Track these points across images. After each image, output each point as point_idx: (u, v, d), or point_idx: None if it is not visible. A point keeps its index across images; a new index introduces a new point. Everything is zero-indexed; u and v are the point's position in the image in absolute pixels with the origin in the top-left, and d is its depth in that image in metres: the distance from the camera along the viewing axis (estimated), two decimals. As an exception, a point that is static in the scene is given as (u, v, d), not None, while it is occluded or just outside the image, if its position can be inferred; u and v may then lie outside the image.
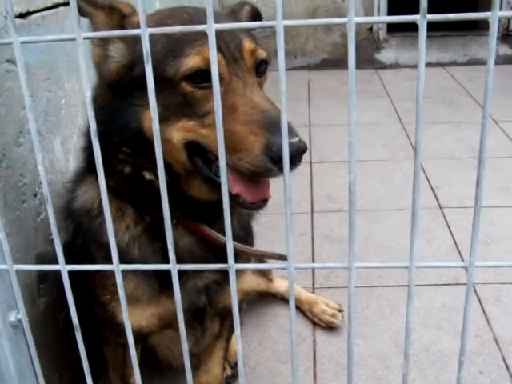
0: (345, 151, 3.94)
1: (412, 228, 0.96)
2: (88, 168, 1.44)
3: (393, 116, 4.70)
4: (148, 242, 1.39)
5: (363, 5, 6.06)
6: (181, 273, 1.39)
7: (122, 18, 1.26)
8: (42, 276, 1.79)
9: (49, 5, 1.96)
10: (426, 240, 2.89)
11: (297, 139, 1.12)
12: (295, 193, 3.45)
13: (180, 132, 1.22)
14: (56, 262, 1.76)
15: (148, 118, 1.24)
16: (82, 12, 1.24)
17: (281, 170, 1.13)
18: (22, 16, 1.74)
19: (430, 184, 3.48)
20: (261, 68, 1.31)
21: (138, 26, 1.21)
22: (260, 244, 2.86)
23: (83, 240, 1.48)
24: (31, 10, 1.84)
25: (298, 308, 2.45)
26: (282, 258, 1.44)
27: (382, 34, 6.25)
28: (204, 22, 1.26)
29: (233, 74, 1.22)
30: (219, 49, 1.22)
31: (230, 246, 0.99)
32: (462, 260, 2.72)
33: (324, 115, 4.79)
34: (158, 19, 1.29)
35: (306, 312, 2.41)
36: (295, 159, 1.12)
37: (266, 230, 3.06)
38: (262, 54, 1.30)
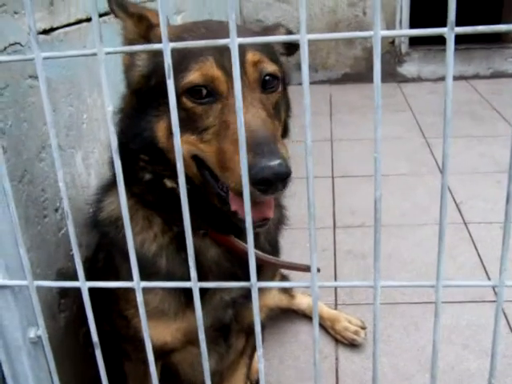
0: (367, 165, 3.91)
1: (439, 246, 0.94)
2: (113, 180, 1.44)
3: (415, 130, 4.66)
4: (175, 253, 1.38)
5: (385, 18, 6.04)
6: (207, 289, 1.38)
7: (148, 28, 1.28)
8: (63, 291, 1.79)
9: (72, 21, 1.98)
10: (450, 256, 2.84)
11: (277, 162, 1.06)
12: (317, 208, 3.41)
13: (185, 145, 1.22)
14: (76, 277, 1.76)
15: (161, 128, 1.25)
16: (115, 14, 1.29)
17: (263, 192, 1.09)
18: (45, 32, 1.76)
19: (453, 199, 3.43)
20: (270, 84, 1.26)
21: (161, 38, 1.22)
22: (296, 257, 2.84)
23: (107, 252, 1.48)
24: (55, 26, 1.85)
25: (320, 325, 2.42)
26: (310, 269, 1.41)
27: (404, 47, 6.22)
28: (222, 37, 1.25)
29: (232, 91, 1.21)
30: (222, 65, 1.21)
31: (253, 263, 0.98)
32: (488, 277, 2.66)
33: (346, 129, 4.76)
34: (176, 32, 1.29)
35: (329, 329, 2.38)
36: (276, 184, 1.07)
37: (289, 245, 3.04)
38: (268, 67, 1.24)
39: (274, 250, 1.55)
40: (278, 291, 2.31)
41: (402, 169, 3.89)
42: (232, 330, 1.53)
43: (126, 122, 1.32)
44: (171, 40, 1.30)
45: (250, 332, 1.69)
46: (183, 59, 1.21)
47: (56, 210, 1.77)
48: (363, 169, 3.91)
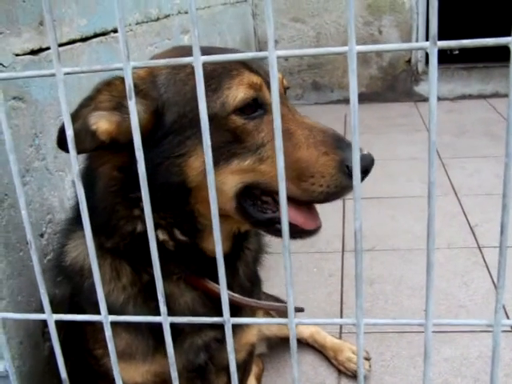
0: (379, 187, 3.80)
1: (427, 282, 0.86)
2: (77, 220, 1.34)
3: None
4: (143, 303, 1.30)
5: (401, 36, 5.97)
6: (177, 331, 1.30)
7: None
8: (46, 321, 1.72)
9: (64, 41, 1.94)
10: (463, 282, 2.72)
11: (366, 151, 1.12)
12: (326, 231, 3.32)
13: (235, 176, 1.12)
14: (62, 306, 1.69)
15: (194, 166, 1.12)
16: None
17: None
18: (33, 53, 1.72)
19: (468, 222, 3.31)
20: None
21: (142, 82, 1.13)
22: (281, 285, 2.75)
23: (77, 298, 1.41)
24: (44, 46, 1.81)
25: (323, 354, 2.31)
26: (296, 309, 1.34)
27: (421, 66, 6.13)
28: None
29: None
30: (259, 74, 1.17)
31: (225, 297, 0.91)
32: (504, 307, 2.53)
33: (359, 149, 4.67)
34: (168, 56, 1.22)
35: (332, 359, 2.27)
36: (370, 170, 1.12)
37: (294, 270, 2.95)
38: (285, 81, 1.31)
39: (254, 284, 1.47)
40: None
41: (416, 190, 3.77)
42: (209, 371, 1.44)
43: (120, 175, 1.19)
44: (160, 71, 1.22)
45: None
46: (208, 79, 1.11)
47: (41, 235, 1.71)
48: (375, 190, 3.81)
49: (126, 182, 1.18)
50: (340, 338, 2.40)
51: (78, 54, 1.98)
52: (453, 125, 5.15)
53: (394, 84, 6.17)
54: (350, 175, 1.08)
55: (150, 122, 1.12)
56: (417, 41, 6.04)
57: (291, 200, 1.12)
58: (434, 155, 0.78)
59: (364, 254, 3.06)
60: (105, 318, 1.00)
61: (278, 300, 2.36)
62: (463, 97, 6.06)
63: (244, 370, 1.64)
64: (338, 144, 1.12)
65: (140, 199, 1.17)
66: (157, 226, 1.19)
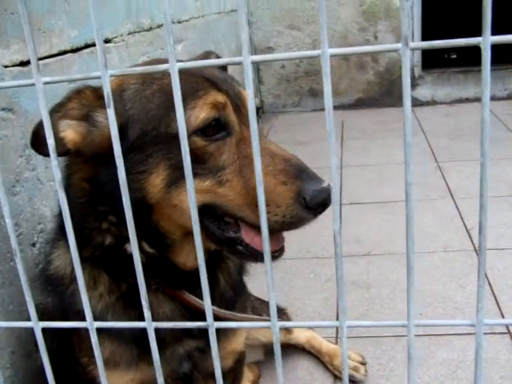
0: (375, 192, 3.81)
1: (408, 284, 0.86)
2: (61, 231, 1.35)
3: (427, 154, 4.55)
4: (123, 311, 1.30)
5: (396, 41, 5.97)
6: (158, 341, 1.30)
7: (95, 94, 1.17)
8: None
9: (54, 52, 1.95)
10: (459, 285, 2.72)
11: (326, 183, 1.11)
12: (322, 236, 3.33)
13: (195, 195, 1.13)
14: (55, 314, 1.69)
15: (155, 183, 1.13)
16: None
17: (315, 216, 1.11)
18: (22, 64, 1.73)
19: (464, 224, 3.31)
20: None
21: (114, 93, 1.13)
22: (284, 290, 2.75)
23: (62, 306, 1.41)
24: (34, 57, 1.83)
25: (319, 359, 2.31)
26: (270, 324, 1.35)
27: (417, 70, 6.14)
28: (194, 75, 1.18)
29: (241, 123, 1.16)
30: (226, 95, 1.16)
31: (208, 302, 0.91)
32: (499, 307, 2.53)
33: (356, 155, 4.68)
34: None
35: (327, 364, 2.27)
36: (329, 204, 1.09)
37: (290, 276, 2.95)
38: (256, 101, 1.26)
39: (238, 293, 1.46)
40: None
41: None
42: (196, 379, 1.44)
43: (89, 186, 1.20)
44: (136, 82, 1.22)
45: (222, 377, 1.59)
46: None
47: (33, 245, 1.72)
48: (372, 195, 3.82)
49: (93, 194, 1.18)
50: (336, 343, 2.40)
51: (68, 65, 2.00)
52: (449, 128, 5.16)
53: (390, 89, 6.18)
54: (307, 207, 1.08)
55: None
56: (412, 40, 6.05)
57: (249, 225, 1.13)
58: (410, 157, 0.79)
59: (360, 259, 3.06)
60: (90, 324, 1.01)
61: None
62: (460, 100, 6.07)
63: (234, 379, 1.64)
64: (299, 174, 1.10)
65: (108, 213, 1.18)
66: (125, 239, 1.19)
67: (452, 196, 3.70)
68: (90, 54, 2.17)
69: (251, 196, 1.09)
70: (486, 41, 0.67)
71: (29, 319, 1.66)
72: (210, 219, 1.16)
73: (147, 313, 0.97)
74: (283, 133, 5.53)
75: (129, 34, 2.67)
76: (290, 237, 3.42)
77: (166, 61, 1.26)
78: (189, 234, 1.21)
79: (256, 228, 1.13)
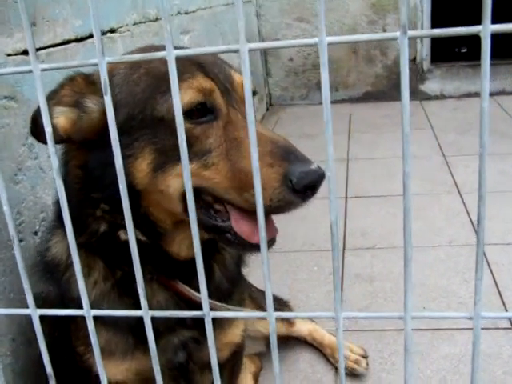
0: (381, 185, 3.80)
1: (405, 275, 0.86)
2: (59, 219, 1.35)
3: (435, 148, 4.53)
4: (117, 299, 1.30)
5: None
6: (154, 331, 1.30)
7: (86, 80, 1.18)
8: (41, 317, 1.73)
9: (58, 41, 1.95)
10: (463, 280, 2.70)
11: (316, 164, 1.06)
12: (327, 229, 3.32)
13: (179, 178, 1.10)
14: (56, 302, 1.69)
15: (140, 168, 1.13)
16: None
17: (303, 200, 1.07)
18: (25, 53, 1.73)
19: (470, 219, 3.29)
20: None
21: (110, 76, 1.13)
22: (278, 282, 2.75)
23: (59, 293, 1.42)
24: (37, 47, 1.83)
25: (321, 352, 2.31)
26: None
27: (426, 64, 6.10)
28: (182, 59, 1.17)
29: (229, 106, 1.15)
30: (213, 79, 1.15)
31: (204, 292, 0.91)
32: (503, 302, 2.52)
33: (363, 149, 4.66)
34: (140, 52, 1.22)
35: (329, 357, 2.27)
36: (318, 187, 1.06)
37: (294, 268, 2.95)
38: (252, 87, 1.25)
39: (234, 285, 1.45)
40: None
41: (418, 188, 3.76)
42: (192, 370, 1.44)
43: (82, 173, 1.20)
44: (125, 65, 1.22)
45: (219, 368, 1.59)
46: (161, 81, 1.12)
47: (35, 233, 1.72)
48: (377, 189, 3.80)
49: (85, 180, 1.19)
50: (338, 335, 2.39)
51: (72, 54, 2.00)
52: (457, 123, 5.12)
53: (398, 82, 6.11)
54: (294, 190, 1.04)
55: (103, 122, 1.11)
56: (421, 39, 6.01)
57: (239, 209, 1.11)
58: (408, 147, 0.78)
59: (365, 252, 3.05)
60: (87, 312, 1.01)
61: (276, 299, 2.36)
62: (469, 95, 6.02)
63: (232, 370, 1.64)
64: (286, 156, 1.07)
65: (100, 200, 1.18)
66: (119, 227, 1.19)
67: (459, 191, 3.68)
68: (94, 43, 2.17)
69: (237, 179, 1.08)
70: (486, 30, 0.66)
71: (27, 306, 1.67)
72: (198, 205, 1.15)
73: (144, 301, 0.97)
74: (290, 125, 5.51)
75: (134, 24, 2.66)
76: (295, 229, 3.43)
77: (161, 47, 1.26)
78: (180, 222, 1.21)
79: (244, 212, 1.12)
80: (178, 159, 1.10)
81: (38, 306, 1.76)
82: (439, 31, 0.71)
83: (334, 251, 0.87)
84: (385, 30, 5.98)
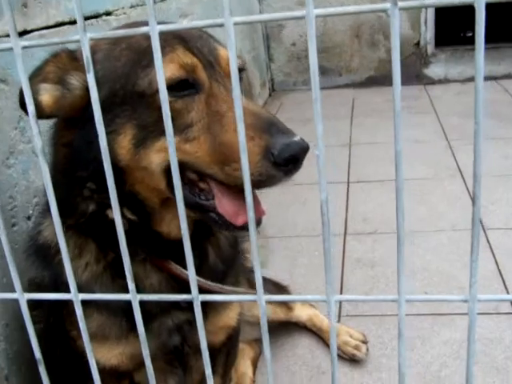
0: (383, 170, 3.76)
1: (398, 257, 0.83)
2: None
3: (438, 133, 4.48)
4: (110, 281, 1.28)
5: (409, 18, 5.87)
6: (145, 313, 1.28)
7: (70, 57, 1.15)
8: (35, 302, 1.71)
9: (51, 23, 1.92)
10: (465, 263, 2.67)
11: (298, 137, 1.02)
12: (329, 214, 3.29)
13: (160, 153, 1.08)
14: (50, 287, 1.68)
15: (122, 144, 1.11)
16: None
17: (286, 174, 1.03)
18: (19, 34, 1.70)
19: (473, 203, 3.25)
20: (239, 76, 1.23)
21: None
22: (281, 268, 2.73)
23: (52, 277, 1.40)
24: (29, 28, 1.80)
25: (320, 337, 2.29)
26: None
27: (430, 48, 6.03)
28: (165, 33, 1.15)
29: (212, 80, 1.12)
30: (194, 53, 1.12)
31: (193, 274, 0.89)
32: (505, 287, 2.49)
33: (365, 134, 4.61)
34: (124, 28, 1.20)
35: (328, 342, 2.25)
36: (301, 161, 1.02)
37: (295, 253, 2.93)
38: (238, 62, 1.20)
39: (229, 267, 1.42)
40: (271, 305, 2.18)
41: (421, 173, 3.72)
42: (187, 353, 1.42)
43: (67, 152, 1.18)
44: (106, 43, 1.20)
45: (215, 352, 1.58)
46: (142, 56, 1.10)
47: (28, 218, 1.70)
48: (379, 174, 3.76)
49: (71, 160, 1.17)
50: (339, 321, 2.38)
51: (65, 36, 1.96)
52: (461, 107, 5.06)
53: (402, 67, 6.02)
54: (276, 163, 1.01)
55: (85, 99, 1.09)
56: (426, 22, 5.94)
57: (232, 188, 1.08)
58: (400, 125, 0.75)
59: (366, 237, 3.03)
60: (75, 296, 0.99)
61: (275, 284, 2.34)
62: (473, 79, 5.81)
63: (227, 354, 1.62)
64: (268, 128, 1.03)
65: (87, 179, 1.16)
66: (107, 206, 1.16)
67: (462, 175, 3.64)
68: (89, 26, 2.14)
69: (219, 152, 1.05)
70: (481, 0, 0.63)
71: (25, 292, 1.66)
72: (182, 182, 1.12)
73: (131, 285, 0.95)
74: (293, 110, 5.46)
75: (131, 7, 2.62)
76: (296, 214, 3.39)
77: (145, 23, 1.22)
78: (167, 200, 1.18)
79: (228, 191, 1.10)
80: (159, 134, 1.08)
81: (33, 290, 1.75)
82: (431, 2, 0.68)
83: (324, 231, 0.85)
84: (388, 14, 5.90)
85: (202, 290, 1.20)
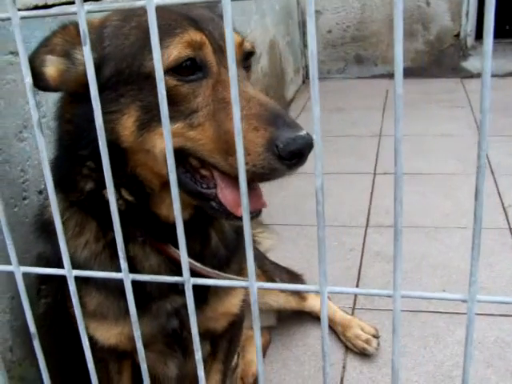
0: (412, 163, 3.67)
1: (394, 251, 0.81)
2: (55, 177, 1.32)
3: (472, 128, 4.36)
4: (108, 260, 1.26)
5: (450, 9, 5.72)
6: (145, 295, 1.27)
7: (78, 30, 1.14)
8: (43, 277, 1.72)
9: (49, 3, 1.90)
10: (487, 264, 2.59)
11: (304, 131, 0.99)
12: (352, 205, 3.25)
13: (164, 138, 1.07)
14: (54, 261, 1.68)
15: (126, 125, 1.08)
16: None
17: (289, 168, 1.00)
18: (37, 8, 1.69)
19: (501, 202, 3.15)
20: (247, 62, 1.19)
21: (92, 31, 1.08)
22: (307, 257, 2.70)
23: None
24: (50, 3, 1.79)
25: (332, 329, 2.25)
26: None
27: (470, 40, 5.87)
28: (175, 14, 1.12)
29: (221, 66, 1.09)
30: (205, 34, 1.09)
31: (185, 257, 0.87)
32: (527, 288, 2.41)
33: (397, 125, 4.51)
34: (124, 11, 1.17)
35: (340, 335, 2.21)
36: (306, 155, 0.99)
37: (313, 242, 2.89)
38: (247, 45, 1.18)
39: (233, 253, 1.38)
40: (285, 293, 2.16)
41: (450, 167, 3.63)
42: (185, 338, 1.40)
43: (70, 129, 1.17)
44: (116, 20, 1.17)
45: (215, 337, 1.56)
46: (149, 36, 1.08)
47: (40, 192, 1.70)
48: (407, 167, 3.66)
49: (74, 137, 1.15)
50: (352, 314, 2.34)
51: (66, 17, 1.95)
52: (499, 102, 4.91)
53: (440, 59, 5.93)
54: (280, 156, 0.98)
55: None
56: (467, 14, 5.78)
57: (234, 179, 1.05)
58: (401, 111, 0.73)
59: (387, 230, 2.97)
60: (68, 271, 1.00)
61: (289, 272, 2.31)
62: (514, 73, 5.77)
63: (230, 340, 1.60)
64: (274, 120, 1.00)
65: (87, 157, 1.14)
66: (105, 185, 1.15)
67: (492, 172, 3.53)
68: (92, 4, 2.12)
69: (223, 141, 1.02)
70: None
71: (30, 265, 1.66)
72: (183, 169, 1.10)
73: (123, 264, 0.95)
74: (325, 99, 5.39)
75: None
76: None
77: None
78: (167, 184, 1.16)
79: (231, 181, 1.07)
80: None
81: (42, 265, 1.76)
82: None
83: (318, 221, 0.82)
84: (428, 3, 5.75)
85: (200, 276, 1.18)
